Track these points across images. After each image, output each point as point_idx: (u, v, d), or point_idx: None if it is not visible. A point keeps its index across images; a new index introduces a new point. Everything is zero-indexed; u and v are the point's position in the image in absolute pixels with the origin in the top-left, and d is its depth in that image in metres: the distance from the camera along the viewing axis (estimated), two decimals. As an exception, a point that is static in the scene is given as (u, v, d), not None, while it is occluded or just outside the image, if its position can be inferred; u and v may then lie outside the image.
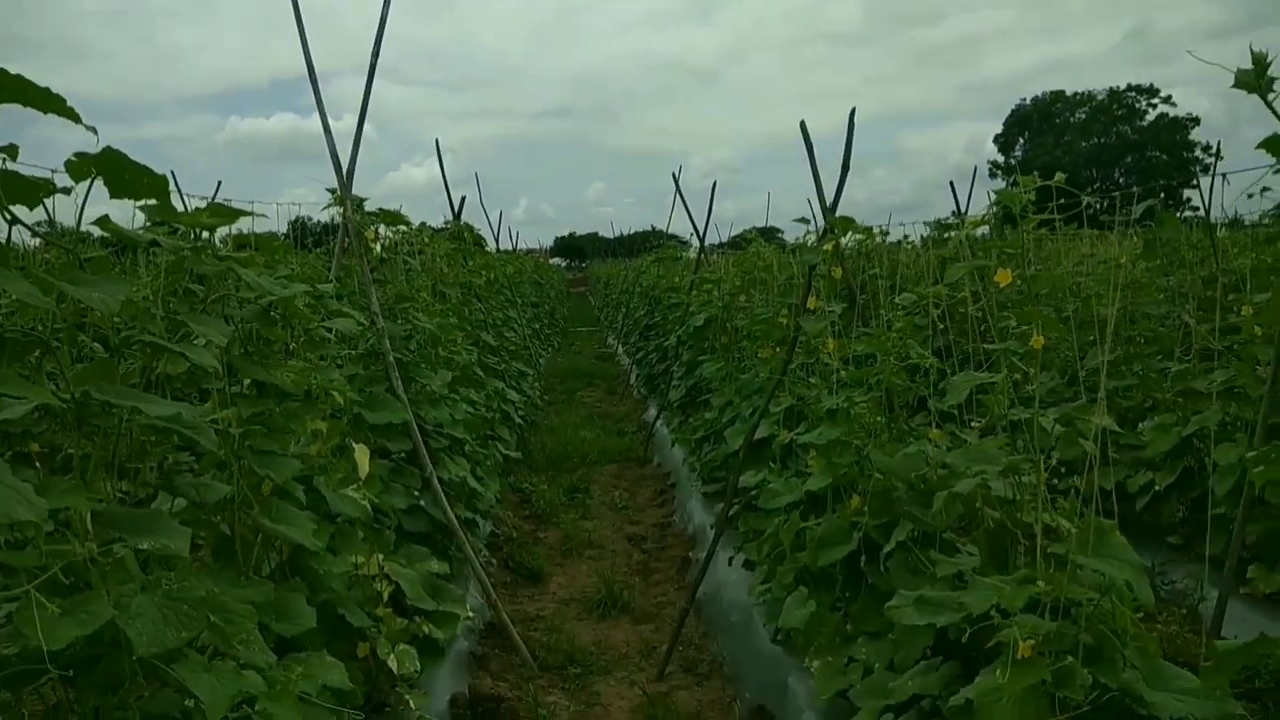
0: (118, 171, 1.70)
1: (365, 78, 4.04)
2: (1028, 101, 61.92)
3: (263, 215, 3.28)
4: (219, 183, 6.09)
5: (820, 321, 3.70)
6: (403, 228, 4.96)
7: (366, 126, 3.99)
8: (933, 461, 2.81)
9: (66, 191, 1.73)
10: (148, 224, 2.04)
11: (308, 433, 2.94)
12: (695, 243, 9.73)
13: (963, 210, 7.57)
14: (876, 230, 3.58)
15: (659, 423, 8.31)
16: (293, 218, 7.62)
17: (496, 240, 13.27)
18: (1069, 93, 60.41)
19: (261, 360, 2.62)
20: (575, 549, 5.71)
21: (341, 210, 4.01)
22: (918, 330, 2.91)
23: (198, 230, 2.35)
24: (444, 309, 6.31)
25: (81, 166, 1.67)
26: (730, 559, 4.34)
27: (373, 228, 4.02)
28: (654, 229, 14.13)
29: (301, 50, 3.81)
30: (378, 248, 4.26)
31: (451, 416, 4.80)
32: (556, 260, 54.42)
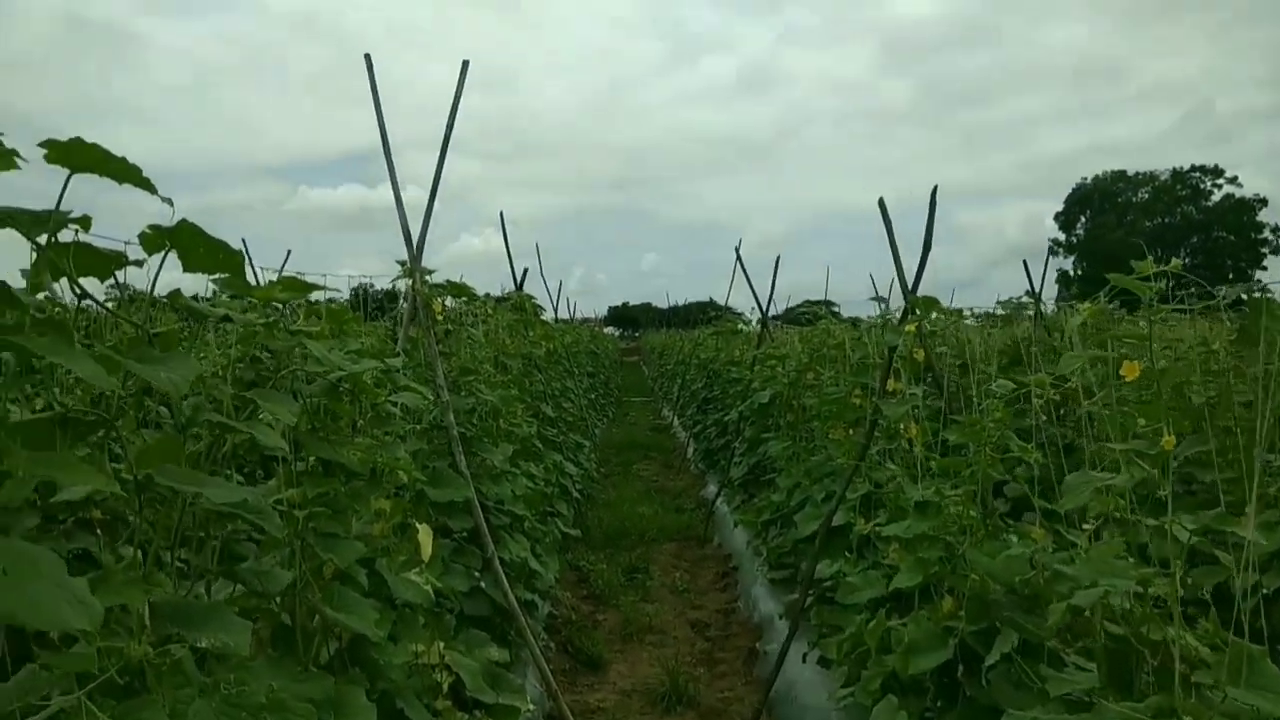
0: (193, 245, 1.62)
1: (429, 153, 4.02)
2: (1088, 180, 61.40)
3: (335, 290, 3.22)
4: (288, 252, 6.16)
5: (902, 405, 3.51)
6: (466, 299, 4.91)
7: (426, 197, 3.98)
8: (1039, 564, 2.58)
9: (139, 264, 1.66)
10: (214, 295, 1.97)
11: (371, 512, 2.83)
12: (754, 316, 9.62)
13: (1036, 289, 7.32)
14: (966, 312, 3.41)
15: (719, 500, 8.08)
16: (354, 285, 7.68)
17: (555, 310, 13.30)
18: (1130, 172, 59.80)
19: (328, 437, 2.53)
20: (636, 634, 5.48)
21: (410, 282, 3.96)
22: (1017, 420, 2.71)
23: (269, 304, 2.28)
24: (506, 380, 6.24)
25: (155, 239, 1.60)
26: (804, 655, 4.09)
27: (439, 299, 3.96)
28: (711, 300, 14.11)
29: (377, 123, 3.82)
30: (442, 319, 4.20)
31: (512, 492, 4.66)
32: (610, 329, 54.75)
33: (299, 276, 2.78)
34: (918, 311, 3.53)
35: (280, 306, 2.40)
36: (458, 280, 4.82)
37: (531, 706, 3.61)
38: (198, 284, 2.12)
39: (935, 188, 3.53)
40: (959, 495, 2.86)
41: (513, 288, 8.23)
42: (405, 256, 4.00)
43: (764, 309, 7.77)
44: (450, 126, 4.03)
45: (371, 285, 8.57)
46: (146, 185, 1.45)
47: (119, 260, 1.61)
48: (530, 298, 8.62)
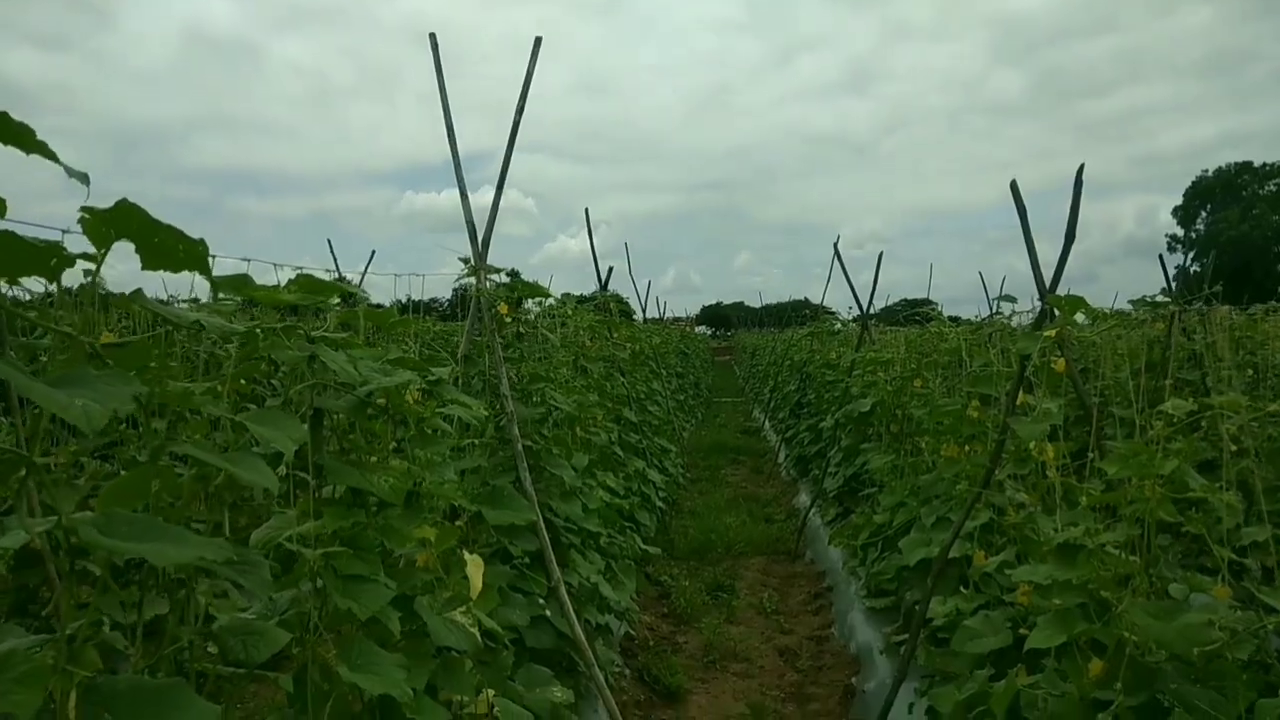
0: (145, 234, 1.27)
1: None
2: (1210, 173, 57.83)
3: (364, 294, 2.88)
4: (373, 252, 5.92)
5: (1038, 424, 2.98)
6: (541, 300, 4.55)
7: (528, 201, 3.67)
8: (1225, 630, 2.05)
9: (91, 258, 1.33)
10: (211, 299, 1.62)
11: (410, 544, 2.48)
12: (852, 314, 9.04)
13: (1171, 285, 6.56)
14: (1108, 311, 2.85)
15: (812, 512, 7.56)
16: (456, 284, 7.43)
17: (644, 309, 12.94)
18: (1257, 164, 56.04)
19: (359, 460, 2.18)
20: (719, 661, 5.04)
21: (475, 281, 3.62)
22: (1198, 451, 2.18)
23: (287, 308, 1.94)
24: (585, 385, 5.88)
25: (98, 226, 1.25)
26: (911, 705, 3.58)
27: (506, 301, 3.60)
28: (806, 300, 13.52)
29: (441, 104, 3.48)
30: (511, 321, 3.85)
31: (585, 507, 4.29)
32: (702, 328, 54.25)
33: (342, 278, 2.45)
34: (1057, 313, 3.00)
35: (300, 310, 2.07)
36: (533, 281, 4.48)
37: (598, 755, 3.22)
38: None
39: (1081, 166, 2.99)
40: (1117, 538, 2.34)
41: (600, 287, 7.89)
42: (471, 254, 3.66)
43: (864, 308, 7.22)
44: (521, 109, 3.67)
45: (464, 288, 8.31)
46: (48, 153, 1.11)
47: (56, 252, 1.27)
48: (616, 297, 8.27)
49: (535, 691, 3.22)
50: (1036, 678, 2.78)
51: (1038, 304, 3.24)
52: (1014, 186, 3.22)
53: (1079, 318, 2.85)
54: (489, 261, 3.69)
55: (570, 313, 5.87)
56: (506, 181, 3.69)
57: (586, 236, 7.44)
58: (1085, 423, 3.46)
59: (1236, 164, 56.80)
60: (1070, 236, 3.11)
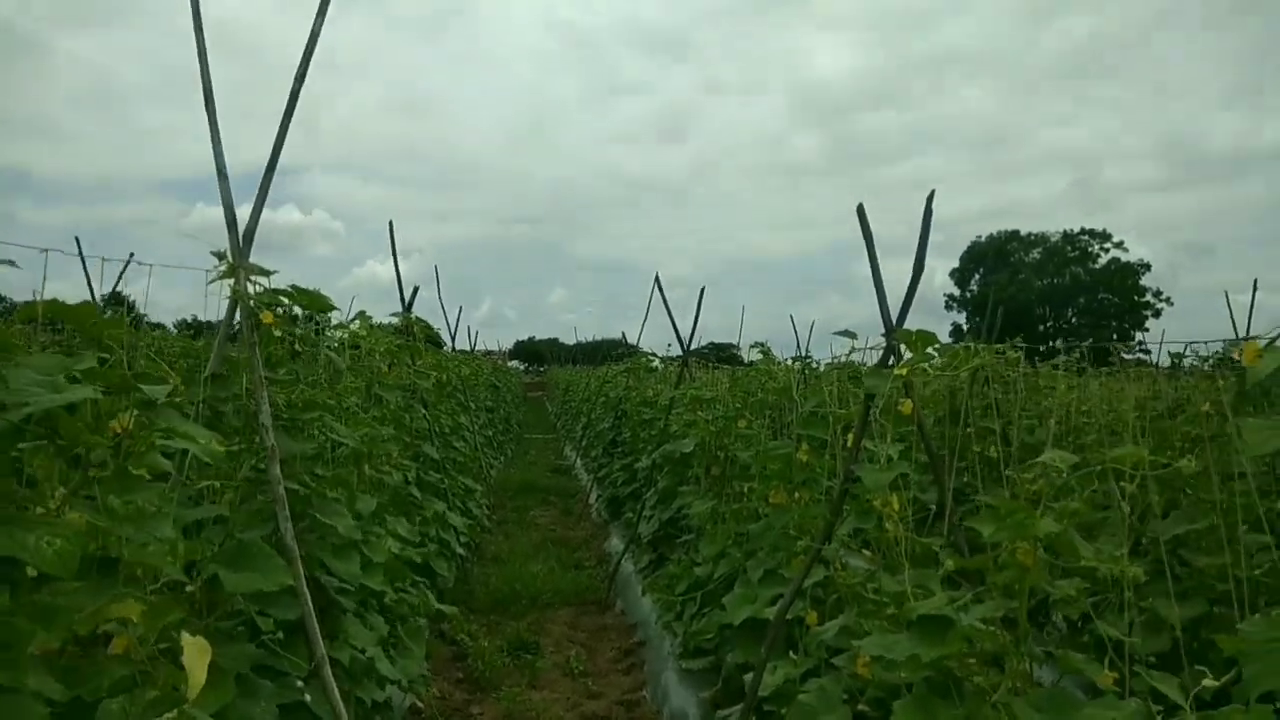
0: None
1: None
2: (983, 239, 63.53)
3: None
4: (130, 255, 4.96)
5: (886, 472, 2.66)
6: (318, 312, 3.86)
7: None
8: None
9: None
10: None
11: (101, 625, 1.80)
12: (672, 351, 8.79)
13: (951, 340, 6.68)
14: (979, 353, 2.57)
15: (625, 558, 7.13)
16: (209, 283, 6.48)
17: (453, 339, 12.21)
18: (1023, 232, 62.16)
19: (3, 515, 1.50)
20: (518, 736, 4.45)
21: (233, 282, 2.93)
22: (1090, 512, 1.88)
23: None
24: (378, 416, 5.19)
25: None
26: (734, 789, 3.16)
27: (268, 309, 2.93)
28: (624, 336, 13.23)
29: (198, 54, 2.80)
30: (281, 335, 3.17)
31: (368, 561, 3.63)
32: (515, 363, 53.44)
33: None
34: (903, 351, 2.70)
35: None
36: (317, 291, 3.79)
37: None
38: None
39: (932, 192, 2.73)
40: (989, 612, 2.00)
41: (403, 309, 7.17)
42: (228, 248, 2.96)
43: (684, 344, 6.93)
44: (302, 76, 3.04)
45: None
46: None
47: None
48: (423, 323, 7.58)
49: (283, 803, 2.54)
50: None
51: (882, 339, 2.96)
52: (860, 211, 2.94)
53: (931, 353, 2.56)
54: (257, 262, 3.01)
55: (365, 333, 5.18)
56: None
57: (400, 261, 6.75)
58: (927, 472, 3.20)
59: (1006, 231, 62.73)
60: (918, 267, 2.85)
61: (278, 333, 3.14)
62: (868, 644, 2.38)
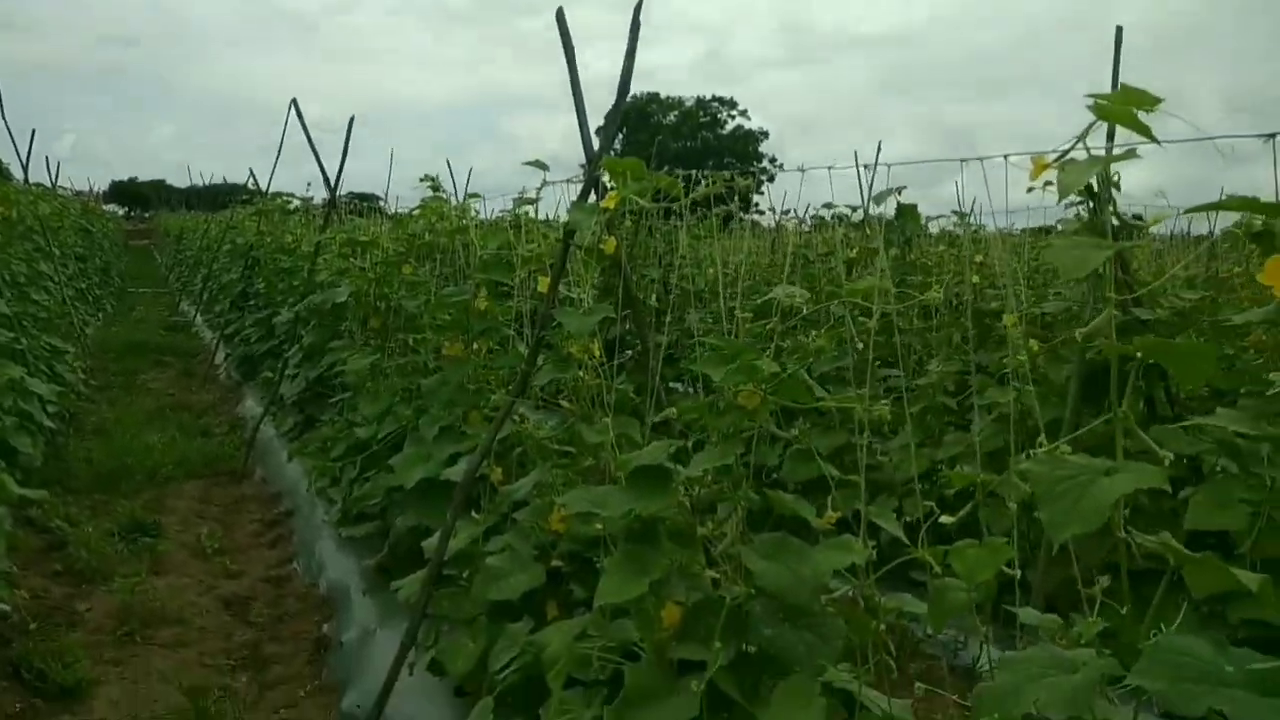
0: None
1: None
2: (628, 99, 65.37)
3: None
4: None
5: (588, 317, 2.40)
6: None
7: None
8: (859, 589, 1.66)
9: None
10: None
11: None
12: (311, 195, 7.83)
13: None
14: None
15: (264, 422, 6.38)
16: None
17: (26, 170, 9.94)
18: (663, 95, 64.87)
19: None
20: (139, 630, 3.78)
21: None
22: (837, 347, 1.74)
23: None
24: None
25: None
26: (411, 665, 2.86)
27: None
28: (252, 177, 11.49)
29: None
30: None
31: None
32: (112, 207, 46.21)
33: None
34: (609, 185, 2.40)
35: None
36: None
37: None
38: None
39: (640, 3, 2.39)
40: (713, 462, 1.84)
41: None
42: None
43: (333, 183, 6.10)
44: None
45: None
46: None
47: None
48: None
49: None
50: (584, 623, 2.25)
51: (580, 170, 2.64)
52: (559, 16, 2.53)
53: (641, 188, 2.29)
54: None
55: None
56: None
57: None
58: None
59: (647, 93, 65.05)
60: (624, 89, 2.55)
61: None
62: (572, 499, 2.14)
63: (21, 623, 3.59)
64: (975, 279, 4.64)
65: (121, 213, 49.82)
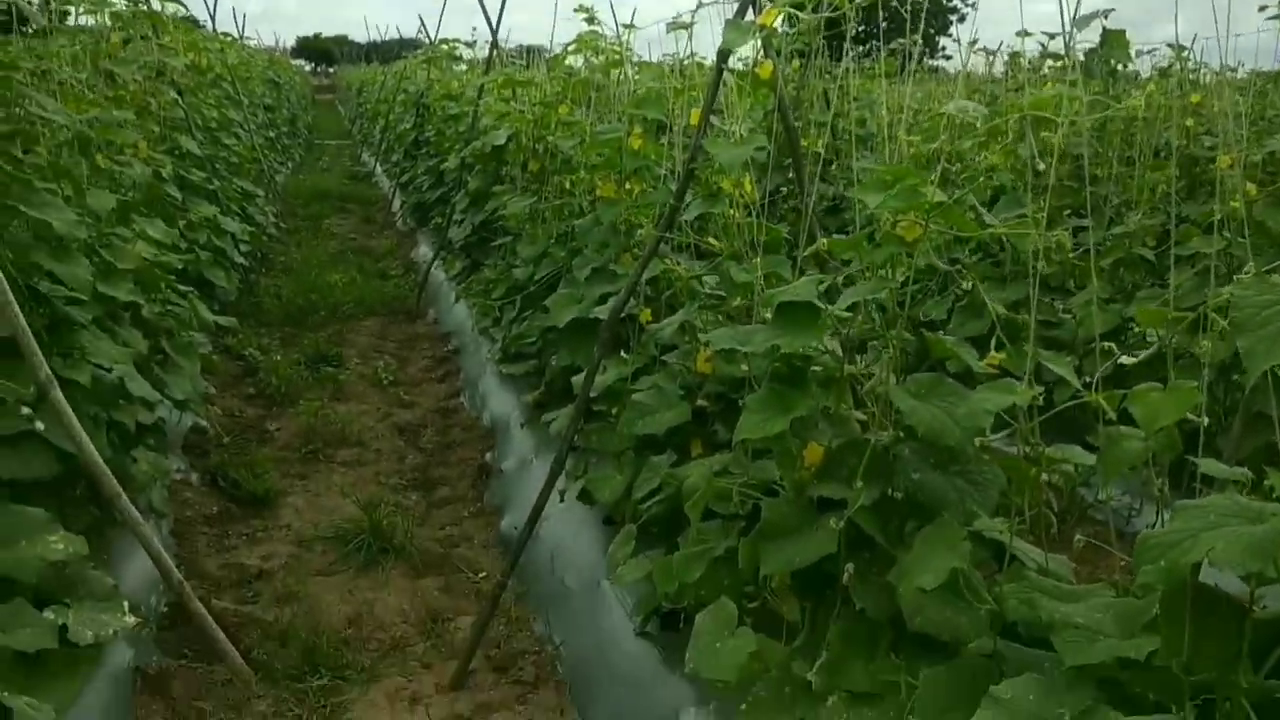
0: None
1: None
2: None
3: None
4: None
5: (741, 147, 2.26)
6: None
7: None
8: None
9: None
10: None
11: None
12: (479, 40, 7.80)
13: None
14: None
15: (435, 266, 6.63)
16: None
17: (213, 20, 10.39)
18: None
19: None
20: (322, 449, 4.11)
21: None
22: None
23: None
24: (112, 96, 4.22)
25: None
26: (562, 492, 2.97)
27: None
28: (422, 24, 11.54)
29: None
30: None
31: (109, 266, 2.97)
32: (300, 62, 48.16)
33: None
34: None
35: None
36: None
37: (130, 620, 2.20)
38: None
39: None
40: (867, 292, 1.72)
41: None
42: None
43: (494, 24, 6.04)
44: None
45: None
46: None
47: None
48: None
49: (17, 547, 2.09)
50: (725, 460, 2.23)
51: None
52: None
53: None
54: None
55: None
56: None
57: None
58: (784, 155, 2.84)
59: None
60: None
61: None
62: (717, 336, 2.08)
63: (217, 437, 3.97)
64: (1189, 122, 4.11)
65: (308, 68, 51.86)
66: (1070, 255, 1.53)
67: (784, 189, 5.35)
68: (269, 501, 3.57)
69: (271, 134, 12.21)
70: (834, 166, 5.62)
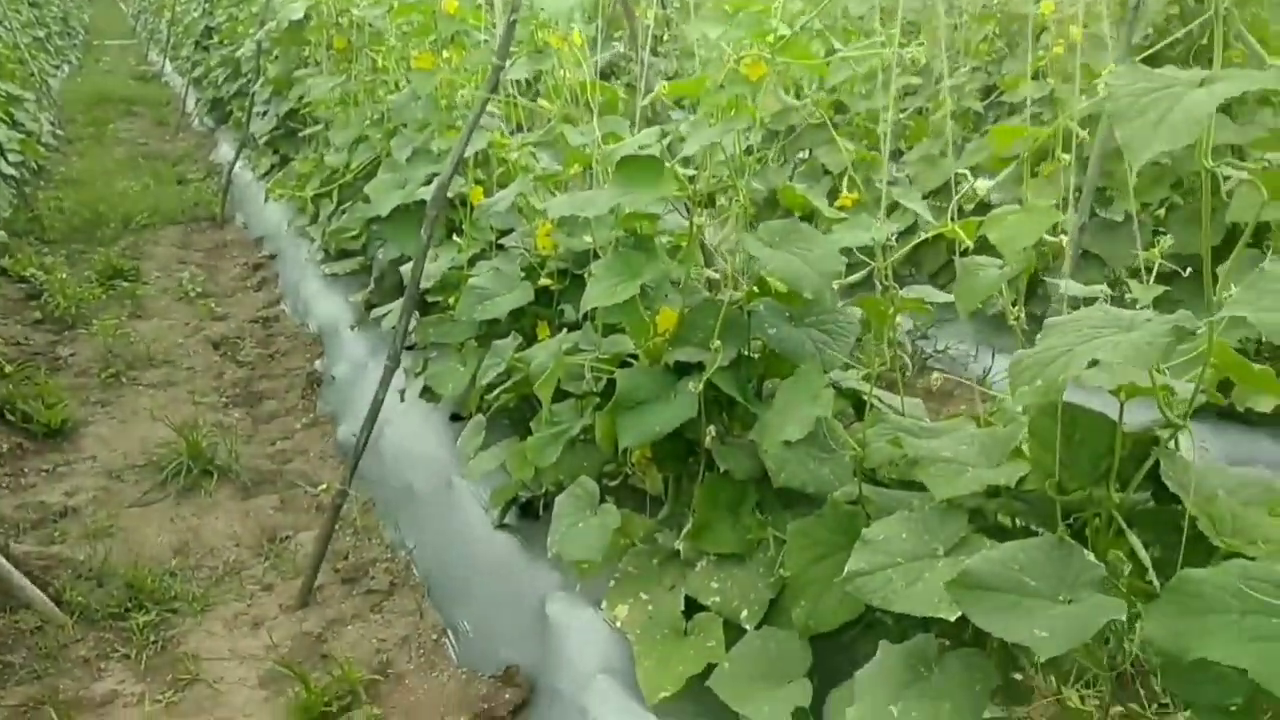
0: None
1: None
2: None
3: None
4: None
5: (567, -10, 2.05)
6: None
7: None
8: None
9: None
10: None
11: None
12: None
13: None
14: None
15: (239, 165, 6.05)
16: None
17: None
18: None
19: None
20: (125, 372, 3.70)
21: None
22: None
23: None
24: None
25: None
26: (402, 391, 2.77)
27: None
28: None
29: None
30: None
31: None
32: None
33: None
34: None
35: None
36: None
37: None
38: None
39: None
40: (710, 138, 1.58)
41: None
42: None
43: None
44: None
45: None
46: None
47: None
48: None
49: None
50: (575, 337, 2.10)
51: None
52: None
53: None
54: None
55: None
56: None
57: None
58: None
59: None
60: None
61: None
62: (555, 204, 1.92)
63: (0, 368, 3.50)
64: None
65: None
66: (901, 115, 1.46)
67: (620, 64, 5.14)
68: (68, 433, 3.18)
69: (41, 33, 10.77)
70: (665, 39, 5.43)
